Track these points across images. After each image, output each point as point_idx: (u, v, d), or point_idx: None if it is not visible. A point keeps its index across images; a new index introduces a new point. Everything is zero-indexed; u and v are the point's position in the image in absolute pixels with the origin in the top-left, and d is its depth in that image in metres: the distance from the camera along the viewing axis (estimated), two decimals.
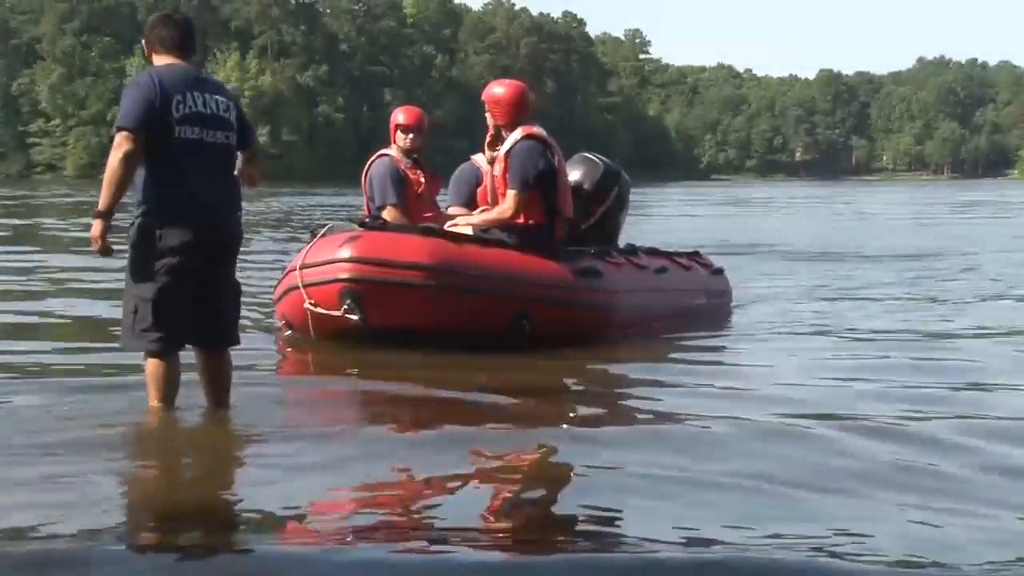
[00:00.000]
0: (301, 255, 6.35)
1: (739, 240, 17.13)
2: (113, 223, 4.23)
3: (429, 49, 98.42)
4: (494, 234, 6.57)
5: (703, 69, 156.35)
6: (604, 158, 7.64)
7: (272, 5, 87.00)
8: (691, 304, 7.86)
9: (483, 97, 6.74)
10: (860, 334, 7.41)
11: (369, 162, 7.15)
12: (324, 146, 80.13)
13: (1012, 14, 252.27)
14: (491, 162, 6.78)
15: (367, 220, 6.39)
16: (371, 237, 6.13)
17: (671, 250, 8.23)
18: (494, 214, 6.68)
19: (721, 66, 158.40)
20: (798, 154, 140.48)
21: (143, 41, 4.47)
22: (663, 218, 26.06)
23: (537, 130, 6.65)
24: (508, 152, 6.59)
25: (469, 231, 6.61)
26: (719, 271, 8.45)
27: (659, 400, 5.32)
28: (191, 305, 4.33)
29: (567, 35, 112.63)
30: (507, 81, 6.91)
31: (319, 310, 6.09)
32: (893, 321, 8.10)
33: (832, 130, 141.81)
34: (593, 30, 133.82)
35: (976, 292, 10.01)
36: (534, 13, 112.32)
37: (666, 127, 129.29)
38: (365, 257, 6.00)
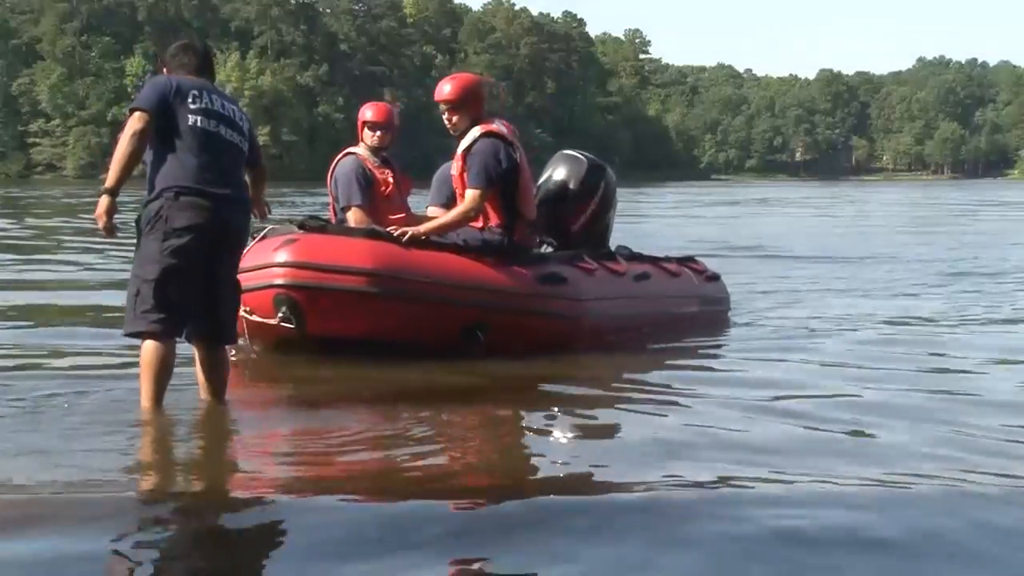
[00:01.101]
0: None
1: (741, 242, 16.43)
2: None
3: (429, 49, 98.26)
4: (448, 237, 6.11)
5: (703, 69, 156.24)
6: (586, 153, 7.16)
7: (272, 5, 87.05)
8: (679, 313, 7.31)
9: (435, 98, 6.29)
10: (868, 353, 6.39)
11: (335, 161, 6.70)
12: (324, 146, 79.61)
13: (1012, 14, 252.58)
14: None
15: (306, 221, 5.99)
16: (309, 240, 5.70)
17: (661, 255, 7.62)
18: (452, 216, 6.17)
19: (721, 66, 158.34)
20: (798, 154, 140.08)
21: (164, 69, 4.65)
22: (662, 219, 25.37)
23: (496, 126, 6.21)
24: (466, 150, 6.14)
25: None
26: (715, 277, 7.81)
27: (627, 435, 4.52)
28: (192, 293, 4.37)
29: (567, 35, 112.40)
30: (456, 75, 6.50)
31: (254, 318, 5.64)
32: (911, 336, 7.23)
33: (832, 130, 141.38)
34: (593, 30, 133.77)
35: (993, 303, 9.11)
36: (534, 13, 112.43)
37: (666, 127, 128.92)
38: (301, 261, 5.57)
